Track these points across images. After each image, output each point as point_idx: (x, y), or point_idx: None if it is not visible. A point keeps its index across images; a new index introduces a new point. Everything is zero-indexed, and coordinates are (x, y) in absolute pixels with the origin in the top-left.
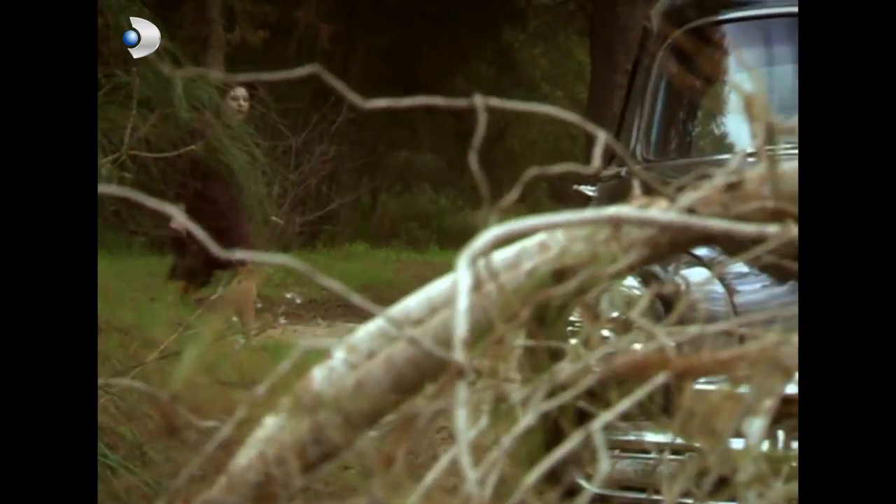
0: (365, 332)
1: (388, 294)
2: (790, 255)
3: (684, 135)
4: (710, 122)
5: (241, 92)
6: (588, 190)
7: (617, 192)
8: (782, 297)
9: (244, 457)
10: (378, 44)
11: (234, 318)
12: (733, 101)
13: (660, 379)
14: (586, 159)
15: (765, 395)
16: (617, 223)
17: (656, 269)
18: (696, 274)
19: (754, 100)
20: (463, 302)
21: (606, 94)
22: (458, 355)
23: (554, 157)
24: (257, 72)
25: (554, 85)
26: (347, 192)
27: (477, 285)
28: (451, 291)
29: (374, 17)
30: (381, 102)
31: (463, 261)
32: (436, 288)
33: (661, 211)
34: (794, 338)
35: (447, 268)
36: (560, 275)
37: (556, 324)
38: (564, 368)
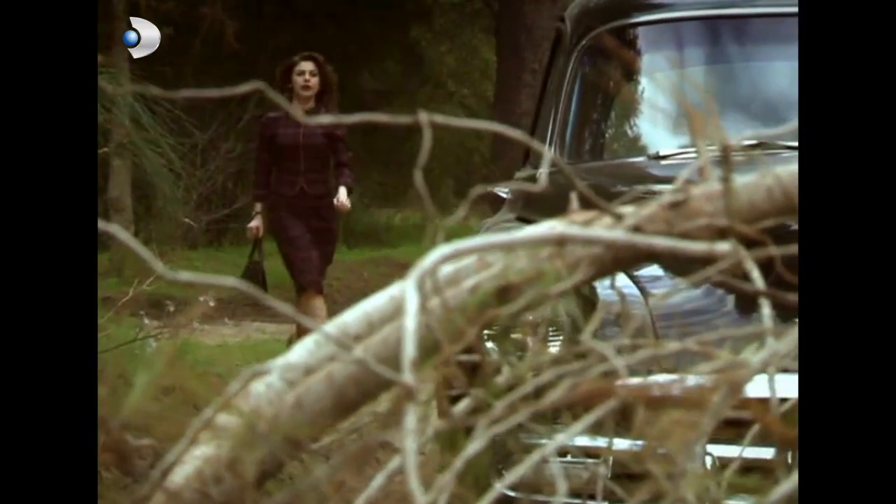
0: (303, 348)
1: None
2: (739, 275)
3: (598, 137)
4: (624, 125)
5: (307, 66)
6: (501, 191)
7: (532, 195)
8: (697, 301)
9: (181, 474)
10: (284, 42)
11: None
12: (646, 104)
13: (610, 405)
14: (492, 156)
15: (716, 417)
16: (562, 242)
17: None
18: (616, 280)
19: (698, 116)
20: (411, 322)
21: (513, 93)
22: (407, 377)
23: (460, 154)
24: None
25: (460, 83)
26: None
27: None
28: (390, 307)
29: (281, 14)
30: (324, 119)
31: (410, 281)
32: (372, 303)
33: (606, 229)
34: (748, 358)
35: (354, 266)
36: (504, 292)
37: (503, 342)
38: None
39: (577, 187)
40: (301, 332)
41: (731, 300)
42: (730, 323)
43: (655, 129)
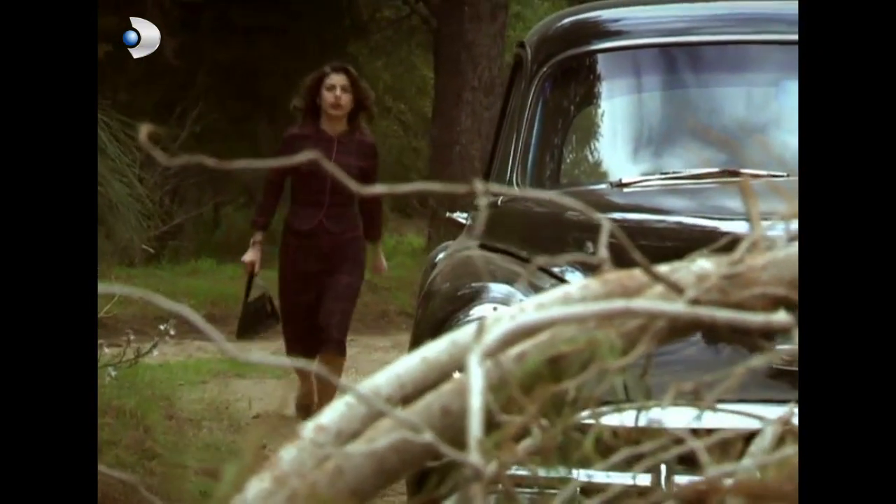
0: (334, 411)
1: (234, 310)
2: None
3: (559, 163)
4: (585, 151)
5: (338, 79)
6: (461, 217)
7: (494, 223)
8: None
9: None
10: (223, 58)
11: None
12: (607, 130)
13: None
14: (430, 174)
15: None
16: (627, 315)
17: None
18: None
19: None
20: (476, 401)
21: (452, 110)
22: (475, 458)
23: (396, 171)
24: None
25: (397, 98)
26: (192, 207)
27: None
28: (422, 370)
29: (219, 29)
30: (379, 189)
31: (474, 357)
32: (404, 365)
33: (667, 301)
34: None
35: None
36: (555, 362)
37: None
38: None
39: (635, 258)
40: (308, 393)
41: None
42: (695, 352)
43: (617, 156)
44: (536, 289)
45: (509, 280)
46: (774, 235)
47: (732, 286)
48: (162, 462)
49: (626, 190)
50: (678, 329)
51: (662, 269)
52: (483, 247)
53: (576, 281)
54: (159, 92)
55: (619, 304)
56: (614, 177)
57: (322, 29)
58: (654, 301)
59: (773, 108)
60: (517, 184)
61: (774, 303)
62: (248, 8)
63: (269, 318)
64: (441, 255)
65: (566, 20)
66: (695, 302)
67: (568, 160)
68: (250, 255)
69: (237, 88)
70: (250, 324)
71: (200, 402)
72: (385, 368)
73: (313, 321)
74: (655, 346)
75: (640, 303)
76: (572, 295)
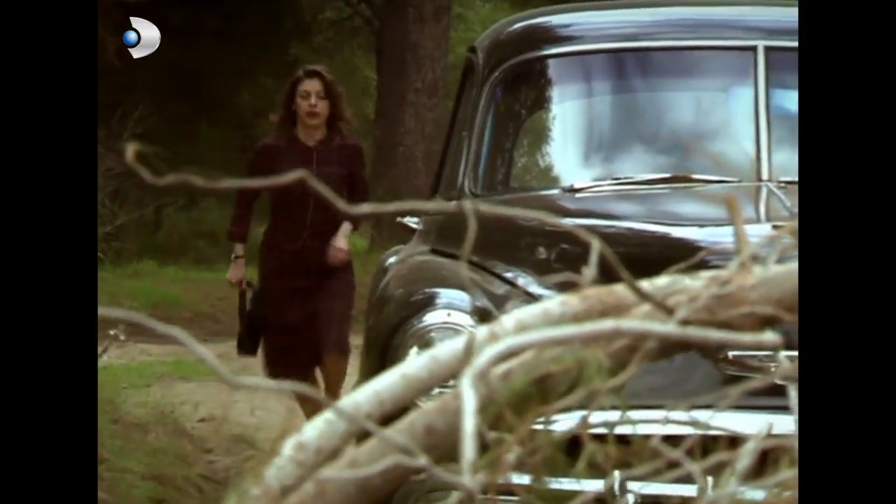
0: (313, 428)
1: (177, 313)
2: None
3: (511, 169)
4: (537, 157)
5: (312, 85)
6: (411, 222)
7: (446, 229)
8: None
9: None
10: (164, 58)
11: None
12: (558, 135)
13: None
14: (372, 175)
15: None
16: (617, 336)
17: (491, 308)
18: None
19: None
20: (470, 423)
21: (396, 111)
22: (468, 480)
23: None
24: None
25: None
26: (133, 209)
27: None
28: (401, 387)
29: (161, 31)
30: (365, 209)
31: (466, 379)
32: (383, 382)
33: (658, 322)
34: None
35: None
36: (543, 382)
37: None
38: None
39: (623, 278)
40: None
41: None
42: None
43: (569, 161)
44: (489, 294)
45: (460, 285)
46: (762, 253)
47: (720, 305)
48: (109, 467)
49: (578, 195)
50: (667, 349)
51: (647, 286)
52: (435, 252)
53: (554, 297)
54: (100, 93)
55: (608, 324)
56: (566, 182)
57: (264, 30)
58: (644, 321)
59: (722, 114)
60: (469, 189)
61: (763, 322)
62: (191, 9)
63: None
64: (392, 260)
65: (517, 25)
66: (685, 322)
67: (519, 165)
68: (236, 273)
69: (179, 89)
70: (251, 339)
71: (145, 406)
72: (364, 385)
73: (298, 340)
74: (642, 364)
75: (630, 323)
76: (552, 311)
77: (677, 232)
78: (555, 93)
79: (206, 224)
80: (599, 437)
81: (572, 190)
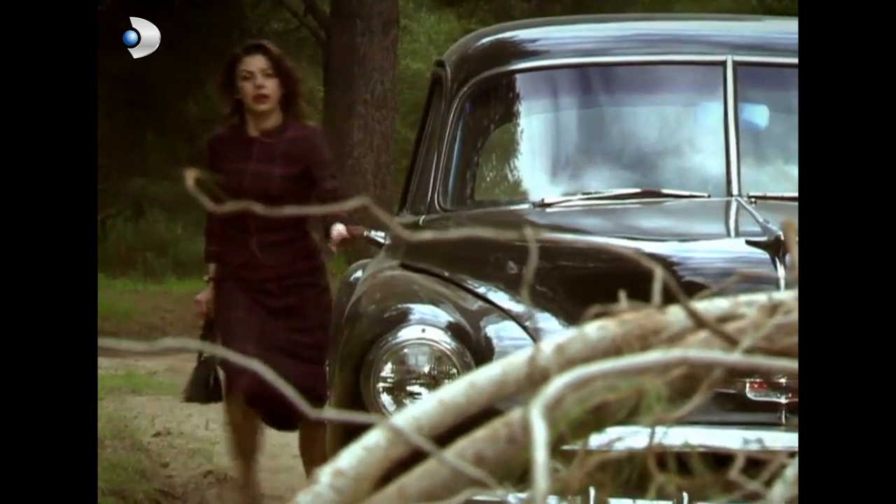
0: (351, 454)
1: (126, 325)
2: None
3: (481, 183)
4: (507, 171)
5: (255, 62)
6: (379, 237)
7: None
8: None
9: None
10: (112, 69)
11: None
12: (528, 149)
13: None
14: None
15: None
16: (683, 365)
17: (465, 324)
18: (506, 328)
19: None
20: (541, 455)
21: (344, 123)
22: None
23: None
24: None
25: None
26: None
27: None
28: (440, 414)
29: (110, 41)
30: (425, 235)
31: (535, 411)
32: (420, 407)
33: (726, 352)
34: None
35: (185, 298)
36: (600, 410)
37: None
38: None
39: (685, 306)
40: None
41: None
42: None
43: (539, 176)
44: (461, 310)
45: (434, 301)
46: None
47: (779, 332)
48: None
49: (548, 210)
50: (729, 377)
51: (704, 312)
52: (405, 267)
53: (594, 322)
54: None
55: (676, 353)
56: (536, 196)
57: (211, 40)
58: (710, 351)
59: (691, 128)
60: (438, 204)
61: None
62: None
63: (207, 392)
64: (358, 274)
65: (485, 39)
66: (749, 350)
67: (488, 179)
68: (205, 295)
69: (127, 99)
70: (203, 385)
71: (98, 420)
72: (403, 410)
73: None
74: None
75: (697, 353)
76: (590, 336)
77: (647, 247)
78: (524, 107)
79: (153, 235)
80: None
81: (543, 205)
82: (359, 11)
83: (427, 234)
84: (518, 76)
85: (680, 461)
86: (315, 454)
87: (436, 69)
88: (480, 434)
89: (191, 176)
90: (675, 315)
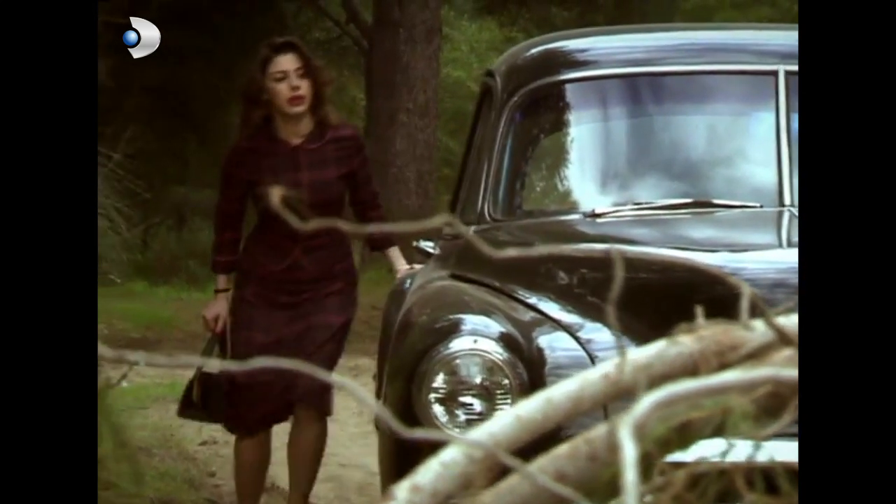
0: (428, 470)
1: (169, 333)
2: None
3: (531, 194)
4: (556, 180)
5: (288, 63)
6: (428, 247)
7: (464, 252)
8: None
9: None
10: (153, 79)
11: None
12: (578, 159)
13: None
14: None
15: None
16: (771, 383)
17: (517, 334)
18: (558, 339)
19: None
20: (631, 474)
21: (386, 131)
22: None
23: None
24: None
25: None
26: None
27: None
28: (517, 431)
29: (153, 53)
30: (509, 253)
31: (625, 430)
32: (498, 423)
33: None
34: None
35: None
36: (684, 429)
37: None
38: None
39: (769, 323)
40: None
41: None
42: None
43: (590, 186)
44: (512, 320)
45: (485, 311)
46: None
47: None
48: (119, 492)
49: (599, 220)
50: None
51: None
52: (455, 277)
53: (668, 338)
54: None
55: (766, 372)
56: (586, 206)
57: (251, 50)
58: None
59: (743, 138)
60: (489, 214)
61: None
62: (178, 29)
63: (205, 409)
64: (406, 284)
65: (535, 49)
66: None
67: (538, 189)
68: (214, 309)
69: (167, 109)
70: (203, 401)
71: (145, 429)
72: (479, 426)
73: (280, 393)
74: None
75: (788, 372)
76: (666, 352)
77: (702, 258)
78: (574, 117)
79: (196, 244)
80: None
81: (594, 215)
82: (401, 20)
83: (511, 252)
84: (568, 86)
85: (767, 478)
86: (308, 455)
87: (485, 79)
88: (561, 451)
89: (276, 194)
90: (752, 331)
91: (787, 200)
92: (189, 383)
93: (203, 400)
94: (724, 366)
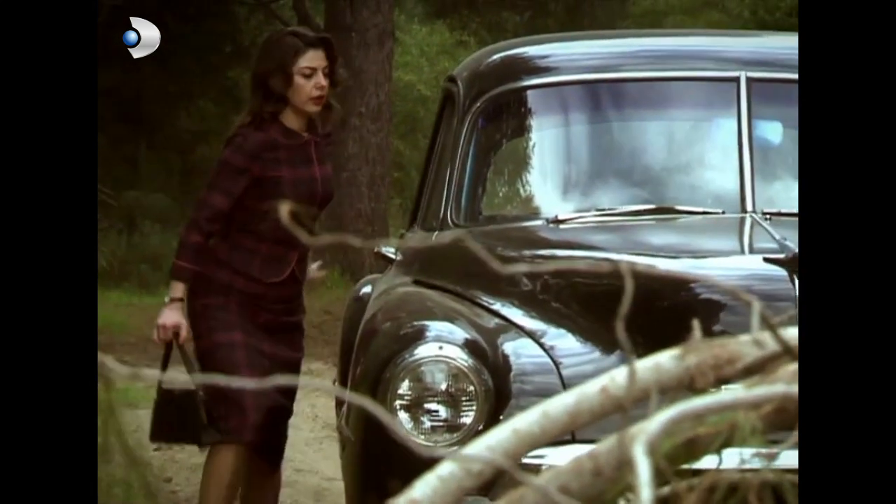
0: (426, 484)
1: (121, 338)
2: None
3: (494, 200)
4: (518, 186)
5: (317, 59)
6: (390, 252)
7: (428, 259)
8: (610, 370)
9: None
10: (105, 82)
11: None
12: (539, 165)
13: None
14: None
15: None
16: (786, 400)
17: (482, 341)
18: (523, 346)
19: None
20: (647, 493)
21: (339, 135)
22: None
23: None
24: None
25: None
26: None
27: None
28: (514, 444)
29: (102, 56)
30: (519, 268)
31: (639, 448)
32: (494, 437)
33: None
34: None
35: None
36: (692, 444)
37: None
38: None
39: (780, 341)
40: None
41: None
42: None
43: (552, 192)
44: (477, 327)
45: (450, 318)
46: None
47: None
48: None
49: (561, 226)
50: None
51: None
52: (418, 283)
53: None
54: None
55: (779, 388)
56: (549, 212)
57: (204, 54)
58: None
59: (704, 145)
60: (451, 219)
61: None
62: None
63: (202, 427)
64: (366, 290)
65: (496, 56)
66: None
67: (500, 195)
68: (170, 317)
69: (119, 113)
70: (172, 423)
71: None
72: (475, 440)
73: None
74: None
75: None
76: (665, 365)
77: (661, 264)
78: (537, 123)
79: (147, 248)
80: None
81: (556, 221)
82: (353, 24)
83: (521, 267)
84: (531, 92)
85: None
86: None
87: (447, 85)
88: (565, 467)
89: (285, 210)
90: (748, 345)
91: (748, 206)
92: (157, 405)
93: (180, 419)
94: (721, 379)
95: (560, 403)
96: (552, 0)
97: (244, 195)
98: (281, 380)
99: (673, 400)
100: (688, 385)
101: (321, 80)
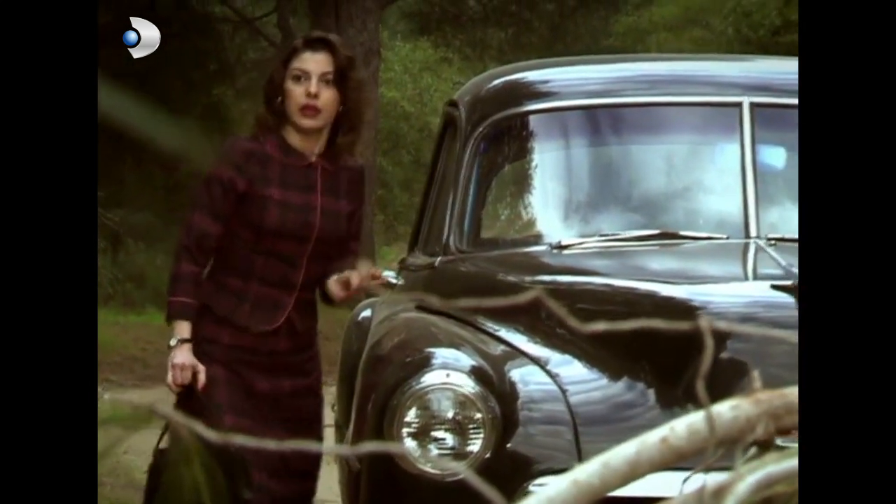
0: None
1: (107, 357)
2: None
3: (495, 224)
4: (521, 211)
5: (314, 62)
6: (390, 277)
7: (431, 284)
8: (617, 397)
9: None
10: None
11: None
12: (541, 190)
13: None
14: None
15: None
16: None
17: (488, 368)
18: (530, 373)
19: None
20: None
21: None
22: None
23: None
24: None
25: None
26: None
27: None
28: (574, 496)
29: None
30: (599, 327)
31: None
32: (554, 488)
33: None
34: None
35: (166, 330)
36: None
37: None
38: None
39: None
40: None
41: (652, 394)
42: (653, 418)
43: (556, 217)
44: (483, 354)
45: (455, 344)
46: None
47: None
48: None
49: (565, 252)
50: None
51: None
52: (420, 308)
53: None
54: None
55: None
56: (552, 238)
57: (187, 71)
58: None
59: (708, 170)
60: (455, 245)
61: None
62: (112, 49)
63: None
64: (365, 314)
65: (498, 80)
66: None
67: (503, 219)
68: (188, 357)
69: (102, 130)
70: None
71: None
72: (535, 493)
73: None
74: None
75: None
76: (723, 415)
77: (664, 290)
78: (539, 148)
79: (132, 267)
80: None
81: (560, 246)
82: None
83: (600, 325)
84: (533, 118)
85: None
86: None
87: (448, 109)
88: None
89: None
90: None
91: (753, 232)
92: (154, 471)
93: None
94: (780, 430)
95: (620, 454)
96: (536, 17)
97: (233, 215)
98: None
99: (729, 450)
100: (748, 435)
101: (313, 86)
